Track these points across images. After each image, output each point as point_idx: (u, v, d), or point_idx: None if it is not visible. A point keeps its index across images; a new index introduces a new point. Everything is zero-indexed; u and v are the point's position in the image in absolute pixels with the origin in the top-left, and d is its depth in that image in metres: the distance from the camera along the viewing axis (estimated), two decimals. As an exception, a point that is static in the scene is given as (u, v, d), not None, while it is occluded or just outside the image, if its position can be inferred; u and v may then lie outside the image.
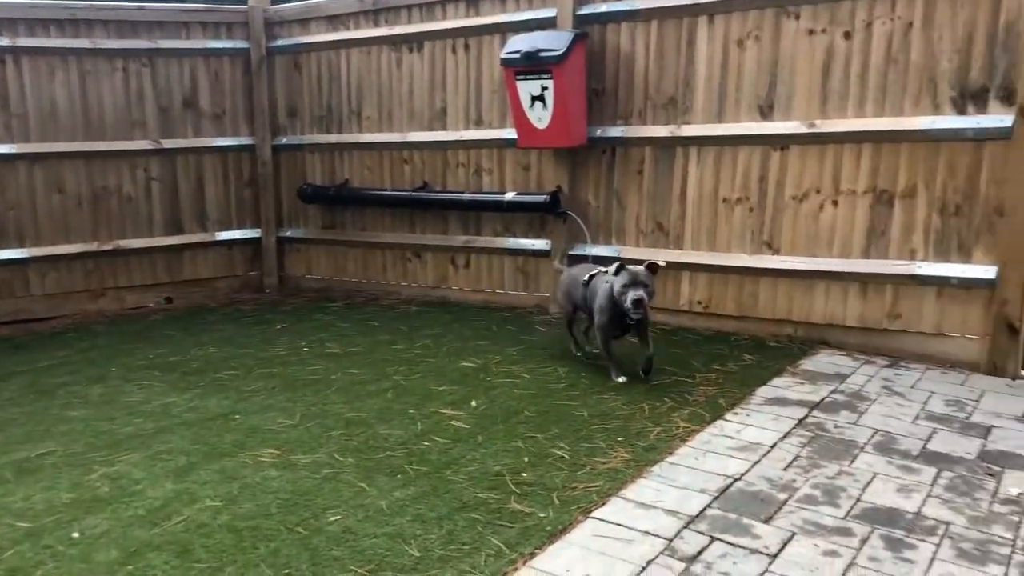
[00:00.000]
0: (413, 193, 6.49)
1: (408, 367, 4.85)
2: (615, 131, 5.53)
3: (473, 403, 4.18)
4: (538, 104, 5.40)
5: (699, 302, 5.35)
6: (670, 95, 5.32)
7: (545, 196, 5.73)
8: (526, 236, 6.06)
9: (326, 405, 4.24)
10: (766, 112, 5.01)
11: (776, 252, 5.08)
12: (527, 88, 5.41)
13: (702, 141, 5.23)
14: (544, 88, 5.33)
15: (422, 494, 3.19)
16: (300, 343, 5.50)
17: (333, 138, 6.92)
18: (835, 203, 4.86)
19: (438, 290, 6.61)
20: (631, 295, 4.12)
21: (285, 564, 2.71)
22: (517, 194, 5.89)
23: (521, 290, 6.18)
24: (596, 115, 5.58)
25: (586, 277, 4.57)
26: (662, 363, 4.67)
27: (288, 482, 3.33)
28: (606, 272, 4.35)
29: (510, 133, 5.85)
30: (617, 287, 4.19)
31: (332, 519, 3.00)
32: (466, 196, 6.16)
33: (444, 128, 6.31)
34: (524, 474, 3.35)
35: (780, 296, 5.11)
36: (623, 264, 4.24)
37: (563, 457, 3.50)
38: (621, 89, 5.50)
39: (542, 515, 3.00)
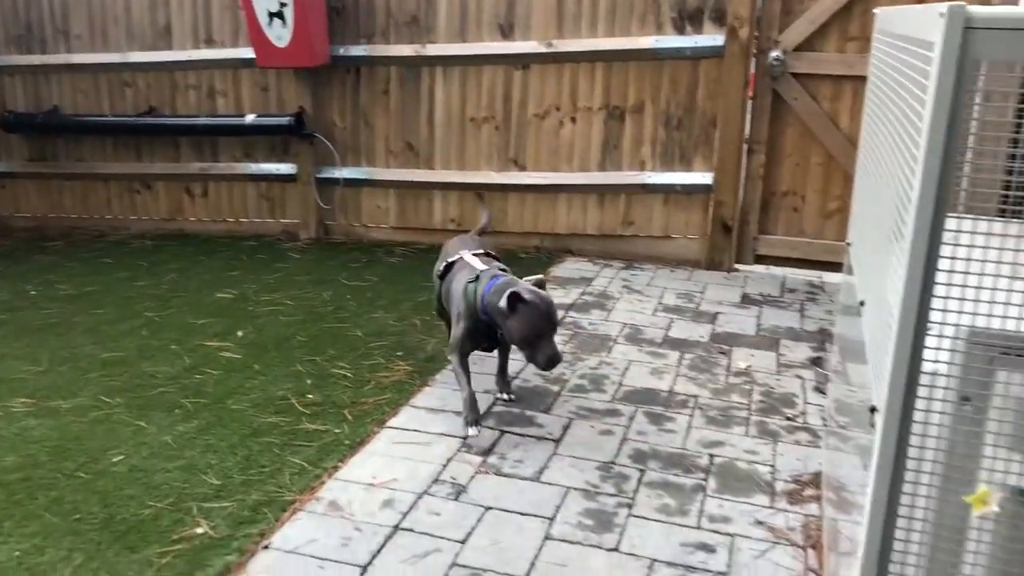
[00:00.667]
0: (138, 119, 6.01)
1: (159, 303, 4.59)
2: (358, 50, 5.45)
3: (240, 333, 4.07)
4: (277, 21, 5.18)
5: (452, 220, 5.50)
6: (412, 13, 5.32)
7: (289, 118, 5.56)
8: (269, 160, 5.86)
9: (75, 348, 3.93)
10: (507, 31, 5.18)
11: (522, 168, 5.34)
12: (264, 4, 5.16)
13: (446, 61, 5.32)
14: (283, 4, 5.12)
15: (207, 426, 3.11)
16: (25, 287, 4.99)
17: (36, 59, 6.18)
18: (574, 120, 5.18)
19: (174, 222, 6.23)
20: (548, 352, 2.86)
21: (73, 510, 2.55)
22: (258, 116, 5.66)
23: (267, 217, 5.99)
24: (338, 34, 5.46)
25: (442, 266, 3.34)
26: (427, 278, 4.80)
27: (52, 429, 3.09)
28: (472, 269, 3.13)
29: (245, 52, 5.57)
30: (520, 332, 2.86)
31: (115, 460, 2.85)
32: (201, 120, 5.82)
33: (170, 48, 5.87)
34: (310, 396, 3.35)
35: (527, 210, 5.39)
36: (518, 296, 2.83)
37: (346, 376, 3.54)
38: (362, 7, 5.41)
39: (337, 431, 3.05)
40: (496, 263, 3.26)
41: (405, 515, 2.54)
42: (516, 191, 5.36)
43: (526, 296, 2.85)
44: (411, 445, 2.95)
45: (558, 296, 4.56)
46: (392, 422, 3.12)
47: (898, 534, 1.59)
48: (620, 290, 4.69)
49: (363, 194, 5.71)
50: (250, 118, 5.67)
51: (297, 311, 4.39)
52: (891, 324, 1.56)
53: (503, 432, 3.04)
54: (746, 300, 4.57)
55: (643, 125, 5.06)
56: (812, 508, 2.63)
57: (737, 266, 5.09)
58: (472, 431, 3.03)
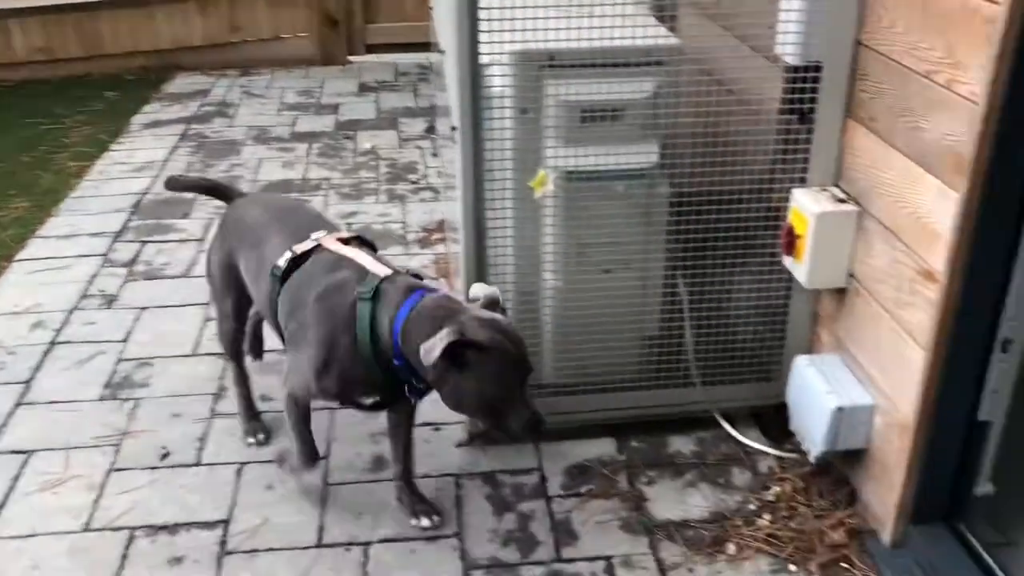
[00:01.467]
0: None
1: None
2: None
3: None
4: None
5: (40, 50, 5.01)
6: None
7: None
8: None
9: None
10: None
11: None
12: None
13: None
14: None
15: None
16: None
17: None
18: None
19: None
20: (524, 415, 1.63)
21: None
22: None
23: None
24: None
25: (283, 261, 1.86)
26: (28, 114, 4.43)
27: None
28: (358, 271, 1.77)
29: None
30: (479, 396, 1.63)
31: None
32: None
33: None
34: (-83, 249, 3.11)
35: (124, 29, 5.05)
36: (468, 343, 1.57)
37: (-46, 223, 3.31)
38: None
39: (-39, 276, 2.90)
40: (382, 261, 1.86)
41: (59, 331, 2.56)
42: (105, 9, 4.97)
43: (484, 339, 1.59)
44: (48, 272, 2.90)
45: (176, 111, 4.47)
46: (21, 255, 3.02)
47: (488, 224, 1.97)
48: (240, 97, 4.68)
49: (-80, 32, 4.98)
50: None
51: None
52: (454, 57, 1.85)
53: (144, 243, 3.08)
54: (364, 88, 4.79)
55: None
56: (440, 248, 3.04)
57: (351, 58, 5.25)
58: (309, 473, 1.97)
